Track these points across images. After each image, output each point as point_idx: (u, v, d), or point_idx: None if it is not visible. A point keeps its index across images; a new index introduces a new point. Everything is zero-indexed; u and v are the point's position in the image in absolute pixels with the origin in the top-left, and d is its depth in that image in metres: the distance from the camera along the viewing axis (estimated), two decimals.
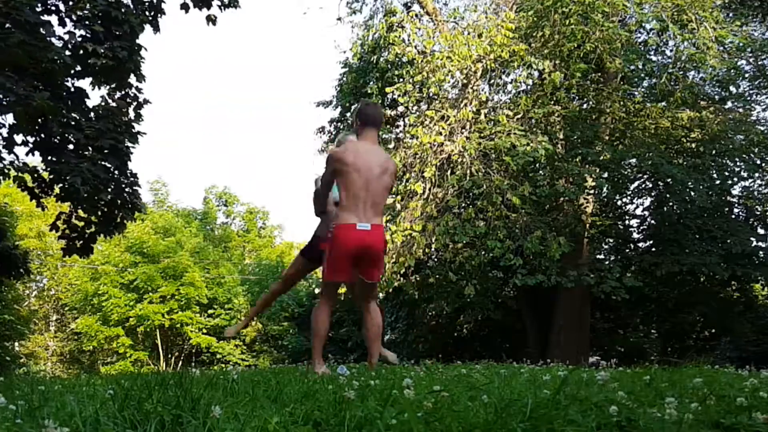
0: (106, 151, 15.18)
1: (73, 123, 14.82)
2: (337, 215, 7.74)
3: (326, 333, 8.00)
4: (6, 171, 15.43)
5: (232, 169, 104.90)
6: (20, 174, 15.36)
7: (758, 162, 24.98)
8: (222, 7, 16.60)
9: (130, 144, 15.77)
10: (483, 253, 21.17)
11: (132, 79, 16.13)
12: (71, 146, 15.13)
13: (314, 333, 7.89)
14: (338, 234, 7.57)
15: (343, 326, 35.98)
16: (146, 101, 16.45)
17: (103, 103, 15.86)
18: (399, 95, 21.64)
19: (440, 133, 20.58)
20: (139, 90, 16.32)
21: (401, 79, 21.88)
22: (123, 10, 15.17)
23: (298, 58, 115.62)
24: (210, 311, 46.51)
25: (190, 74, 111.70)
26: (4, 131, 15.04)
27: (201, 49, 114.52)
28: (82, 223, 16.50)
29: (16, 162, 15.41)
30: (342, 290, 22.62)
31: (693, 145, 24.92)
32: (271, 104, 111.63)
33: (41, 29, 13.85)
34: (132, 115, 16.17)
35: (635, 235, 27.97)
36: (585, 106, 24.54)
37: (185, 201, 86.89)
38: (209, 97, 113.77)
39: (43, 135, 15.02)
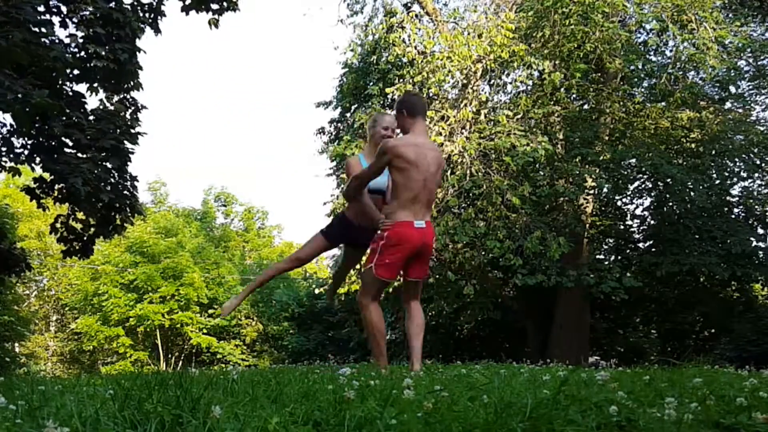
0: (106, 152, 15.19)
1: (73, 124, 14.82)
2: (393, 212, 7.52)
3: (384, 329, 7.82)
4: (3, 164, 15.43)
5: (231, 170, 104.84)
6: (16, 165, 15.33)
7: (758, 162, 25.01)
8: (221, 11, 16.60)
9: (130, 145, 15.78)
10: (483, 253, 21.18)
11: (131, 85, 16.16)
12: (72, 147, 15.14)
13: (377, 333, 7.71)
14: (397, 232, 7.43)
15: (344, 326, 36.03)
16: (143, 107, 16.49)
17: (101, 107, 15.87)
18: (399, 95, 21.62)
19: (440, 134, 20.59)
20: (138, 89, 16.34)
21: (401, 80, 21.88)
22: (124, 12, 15.19)
23: (297, 58, 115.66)
24: (210, 311, 46.46)
25: (188, 75, 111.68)
26: (5, 130, 15.09)
27: (200, 50, 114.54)
28: (80, 225, 16.51)
29: (12, 156, 15.40)
30: (342, 290, 22.78)
31: (693, 146, 24.98)
32: (269, 105, 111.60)
33: (42, 29, 13.87)
34: (129, 119, 16.17)
35: (635, 236, 27.99)
36: (585, 106, 24.59)
37: (185, 201, 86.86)
38: (208, 97, 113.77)
39: (42, 137, 15.02)
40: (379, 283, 7.66)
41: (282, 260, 8.76)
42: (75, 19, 15.27)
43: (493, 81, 22.53)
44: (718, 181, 24.54)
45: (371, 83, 24.38)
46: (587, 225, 23.90)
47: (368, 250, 7.85)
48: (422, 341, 7.70)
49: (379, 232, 7.57)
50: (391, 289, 22.45)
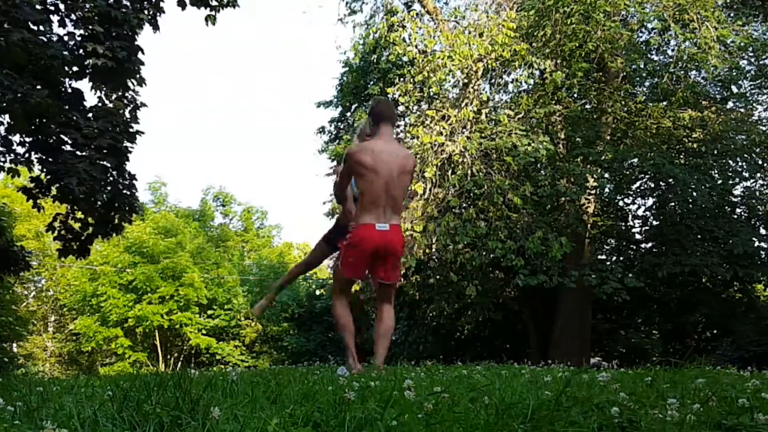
0: (104, 150, 15.20)
1: (71, 123, 14.83)
2: (356, 215, 7.92)
3: (353, 326, 8.01)
4: (2, 165, 15.45)
5: (231, 170, 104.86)
6: (15, 166, 15.36)
7: (760, 162, 25.03)
8: (220, 7, 16.60)
9: (128, 143, 15.79)
10: (484, 253, 21.15)
11: (130, 82, 16.13)
12: (69, 146, 15.15)
13: (342, 328, 7.98)
14: (357, 233, 7.71)
15: None
16: (143, 104, 16.46)
17: (100, 104, 15.85)
18: (400, 95, 21.62)
19: (441, 133, 20.57)
20: (136, 92, 16.32)
21: (402, 79, 21.90)
22: (123, 10, 15.19)
23: (298, 57, 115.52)
24: (209, 312, 46.51)
25: (187, 73, 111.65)
26: (2, 129, 15.10)
27: (200, 49, 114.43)
28: (78, 225, 16.50)
29: (12, 156, 15.42)
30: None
31: (695, 145, 24.99)
32: (269, 104, 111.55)
33: (41, 27, 13.89)
34: (128, 116, 16.15)
35: (637, 236, 27.95)
36: (586, 105, 24.58)
37: (185, 201, 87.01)
38: (207, 97, 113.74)
39: (40, 135, 15.03)
40: (343, 280, 8.08)
41: (296, 264, 9.11)
42: (73, 17, 15.29)
43: (494, 80, 22.56)
44: (720, 181, 24.55)
45: (372, 83, 24.44)
46: (589, 225, 23.91)
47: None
48: (388, 345, 8.04)
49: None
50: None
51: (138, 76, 16.09)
